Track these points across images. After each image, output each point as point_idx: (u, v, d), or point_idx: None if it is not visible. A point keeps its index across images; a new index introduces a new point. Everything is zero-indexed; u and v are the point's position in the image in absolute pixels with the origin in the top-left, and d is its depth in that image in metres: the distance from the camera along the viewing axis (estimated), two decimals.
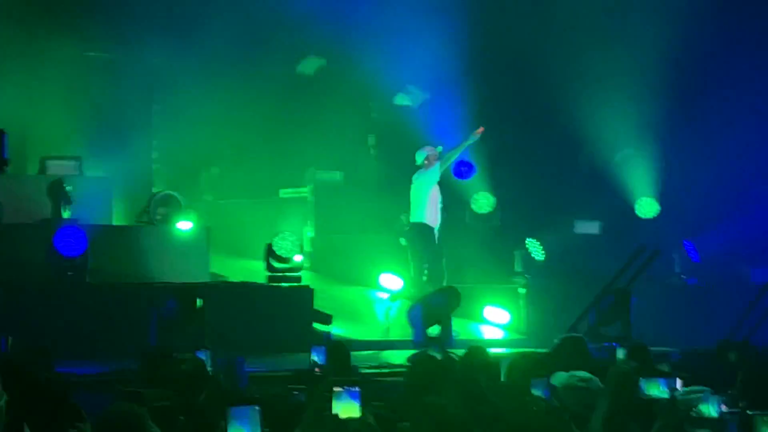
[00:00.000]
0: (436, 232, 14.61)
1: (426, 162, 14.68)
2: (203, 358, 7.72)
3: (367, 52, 17.26)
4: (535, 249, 16.13)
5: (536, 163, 18.09)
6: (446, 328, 12.30)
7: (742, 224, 17.11)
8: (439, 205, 14.67)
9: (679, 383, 6.50)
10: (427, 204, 14.50)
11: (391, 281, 15.50)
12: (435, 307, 12.45)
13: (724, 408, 4.95)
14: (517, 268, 16.04)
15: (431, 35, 17.34)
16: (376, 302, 15.53)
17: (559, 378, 6.38)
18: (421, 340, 12.01)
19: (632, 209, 17.80)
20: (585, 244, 17.04)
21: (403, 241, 15.01)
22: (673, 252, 16.91)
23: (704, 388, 5.42)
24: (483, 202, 16.89)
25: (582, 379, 5.96)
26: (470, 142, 15.05)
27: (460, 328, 13.52)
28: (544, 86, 17.47)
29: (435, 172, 14.59)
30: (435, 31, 17.06)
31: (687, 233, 17.40)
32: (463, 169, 16.71)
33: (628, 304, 13.22)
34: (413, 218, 14.63)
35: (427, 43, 17.51)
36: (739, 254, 17.34)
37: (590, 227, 17.51)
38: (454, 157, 15.10)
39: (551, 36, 17.72)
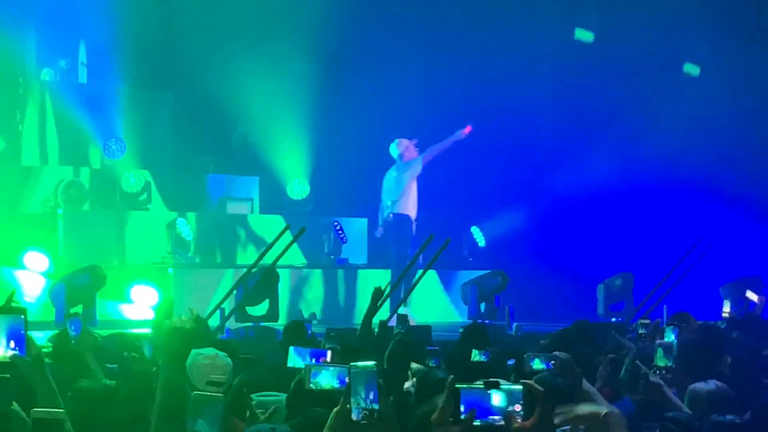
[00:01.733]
0: (414, 223, 14.89)
1: (405, 153, 15.01)
2: None
3: (17, 26, 16.63)
4: (185, 228, 16.05)
5: (188, 140, 18.00)
6: (89, 308, 12.01)
7: None
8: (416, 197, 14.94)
9: (329, 355, 6.58)
10: (410, 196, 14.88)
11: (37, 260, 14.97)
12: (78, 286, 12.13)
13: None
14: (168, 247, 15.93)
15: (83, 9, 16.89)
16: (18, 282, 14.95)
17: (189, 357, 6.36)
18: (62, 320, 11.64)
19: (284, 190, 18.01)
20: (237, 223, 17.12)
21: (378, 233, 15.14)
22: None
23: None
24: (133, 180, 16.59)
25: (206, 357, 5.97)
26: (455, 138, 15.32)
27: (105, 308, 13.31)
28: (193, 60, 17.34)
29: (418, 164, 14.85)
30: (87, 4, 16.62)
31: None
32: (112, 147, 16.41)
33: (275, 283, 13.31)
34: (396, 209, 14.95)
35: (78, 16, 17.05)
36: None
37: (242, 207, 17.62)
38: (437, 152, 15.21)
39: (202, 14, 17.59)
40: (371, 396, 4.17)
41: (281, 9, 17.56)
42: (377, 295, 10.20)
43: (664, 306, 14.26)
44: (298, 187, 17.99)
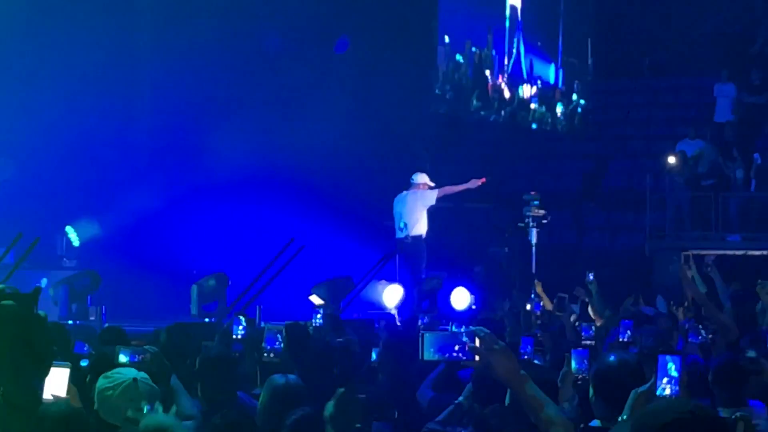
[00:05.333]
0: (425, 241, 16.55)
1: (421, 186, 16.64)
2: None
3: None
4: None
5: None
6: None
7: None
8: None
9: None
10: (424, 220, 16.42)
11: None
12: None
13: None
14: None
15: None
16: None
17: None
18: None
19: None
20: None
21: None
22: None
23: None
24: None
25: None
26: (470, 186, 16.84)
27: None
28: None
29: (433, 198, 16.54)
30: None
31: None
32: None
33: None
34: (412, 231, 16.40)
35: None
36: None
37: None
38: (450, 192, 16.82)
39: None
40: None
41: None
42: None
43: (258, 306, 14.55)
44: None
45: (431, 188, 16.91)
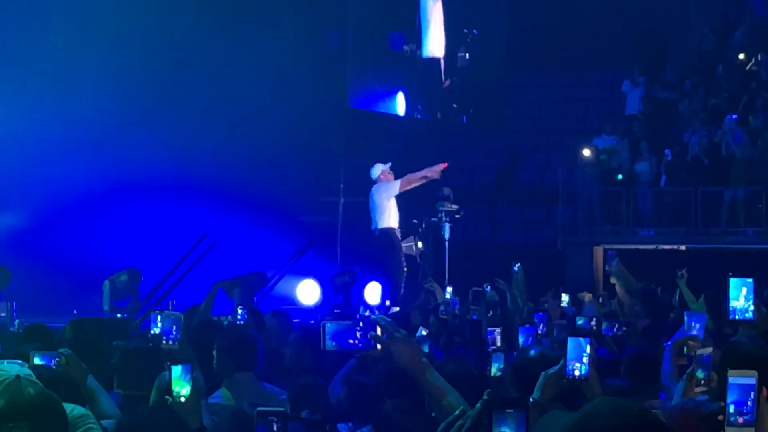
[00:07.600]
0: (398, 231, 16.47)
1: (382, 176, 16.38)
2: None
3: None
4: None
5: None
6: None
7: None
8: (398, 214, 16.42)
9: None
10: (390, 212, 16.21)
11: None
12: None
13: None
14: None
15: None
16: None
17: None
18: None
19: None
20: None
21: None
22: None
23: None
24: None
25: None
26: (433, 169, 16.42)
27: None
28: None
29: (395, 188, 16.20)
30: None
31: None
32: None
33: None
34: (380, 225, 16.21)
35: None
36: None
37: None
38: (416, 182, 16.41)
39: None
40: None
41: None
42: None
43: (170, 301, 14.45)
44: None
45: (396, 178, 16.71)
